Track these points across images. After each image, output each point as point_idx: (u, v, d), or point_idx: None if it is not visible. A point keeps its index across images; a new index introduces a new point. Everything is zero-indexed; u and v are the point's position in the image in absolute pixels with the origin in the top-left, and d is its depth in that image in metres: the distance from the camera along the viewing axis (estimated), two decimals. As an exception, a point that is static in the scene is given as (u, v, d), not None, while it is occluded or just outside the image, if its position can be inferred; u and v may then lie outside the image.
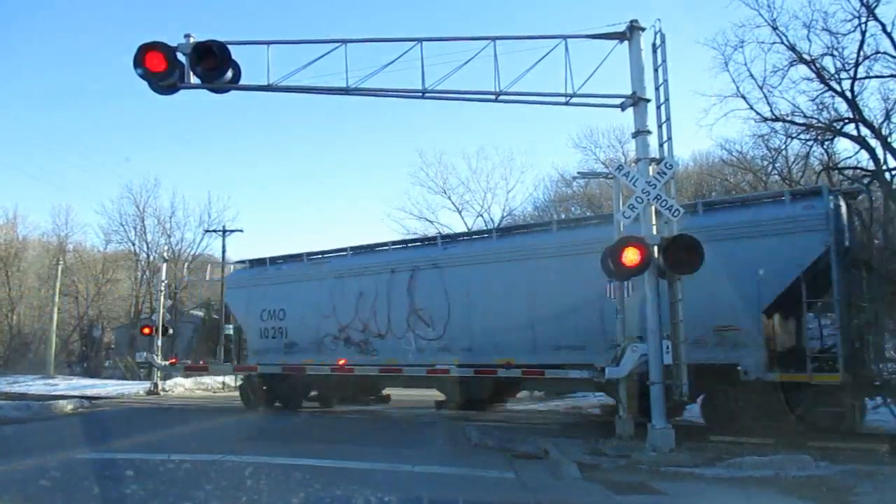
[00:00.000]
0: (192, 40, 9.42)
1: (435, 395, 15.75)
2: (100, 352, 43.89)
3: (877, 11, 18.35)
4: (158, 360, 23.47)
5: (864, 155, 20.97)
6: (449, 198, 71.04)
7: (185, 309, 46.37)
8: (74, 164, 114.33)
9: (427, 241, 18.50)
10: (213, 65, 9.45)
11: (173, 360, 26.86)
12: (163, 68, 9.29)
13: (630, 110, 9.53)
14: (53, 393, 22.52)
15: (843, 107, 20.40)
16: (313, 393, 17.34)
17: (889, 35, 18.38)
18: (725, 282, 10.49)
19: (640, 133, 9.41)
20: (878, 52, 19.04)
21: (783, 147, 23.30)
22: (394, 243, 16.96)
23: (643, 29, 9.49)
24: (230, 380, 31.33)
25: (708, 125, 49.20)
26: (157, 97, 10.29)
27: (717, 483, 7.28)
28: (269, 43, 9.76)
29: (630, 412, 9.97)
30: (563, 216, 52.23)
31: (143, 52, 9.19)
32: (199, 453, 8.67)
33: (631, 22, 9.51)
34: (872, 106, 31.61)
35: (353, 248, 16.54)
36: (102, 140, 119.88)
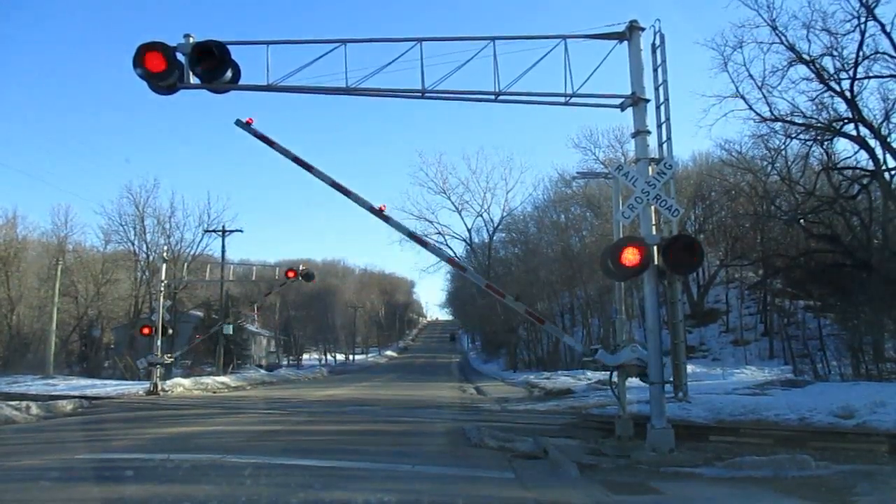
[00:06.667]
0: (191, 40, 9.44)
1: (434, 394, 15.72)
2: (99, 352, 43.90)
3: (876, 11, 18.43)
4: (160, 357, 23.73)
5: (863, 155, 21.01)
6: (448, 198, 71.10)
7: (184, 309, 46.37)
8: (74, 164, 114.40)
9: None
10: (212, 65, 9.47)
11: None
12: (162, 68, 9.31)
13: (629, 110, 9.54)
14: (53, 393, 22.49)
15: (842, 107, 20.45)
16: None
17: (888, 35, 18.44)
18: None
19: (640, 133, 9.41)
20: (877, 53, 19.11)
21: (783, 147, 23.36)
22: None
23: (643, 29, 9.50)
24: (231, 380, 31.40)
25: (707, 125, 49.32)
26: (156, 97, 10.30)
27: (716, 483, 7.28)
28: (268, 43, 9.78)
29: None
30: (562, 216, 52.44)
31: (143, 52, 9.21)
32: (199, 453, 8.66)
33: (630, 22, 9.51)
34: (872, 106, 31.72)
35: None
36: (102, 140, 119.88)
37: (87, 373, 37.48)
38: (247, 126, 10.12)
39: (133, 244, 44.48)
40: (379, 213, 10.70)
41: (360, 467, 7.89)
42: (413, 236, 12.38)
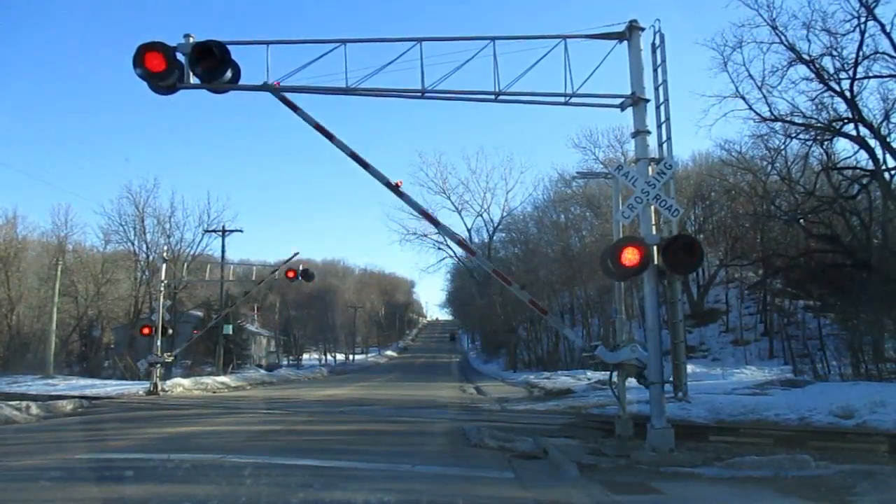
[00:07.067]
0: (191, 40, 9.45)
1: (434, 394, 15.72)
2: (99, 352, 43.91)
3: (876, 11, 18.44)
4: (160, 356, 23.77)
5: (863, 155, 21.01)
6: (448, 198, 71.17)
7: (184, 309, 46.38)
8: (74, 164, 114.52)
9: None
10: (212, 65, 9.49)
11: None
12: (162, 68, 9.32)
13: (629, 110, 9.54)
14: (53, 393, 22.49)
15: (842, 107, 20.46)
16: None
17: (888, 35, 18.44)
18: None
19: (640, 133, 9.41)
20: (877, 52, 19.12)
21: (782, 147, 23.36)
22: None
23: (642, 29, 9.50)
24: (231, 380, 31.40)
25: (707, 126, 49.19)
26: (156, 97, 10.31)
27: (716, 483, 7.28)
28: (268, 43, 9.79)
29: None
30: (562, 216, 52.45)
31: (143, 52, 9.22)
32: (199, 453, 8.66)
33: (630, 22, 9.52)
34: (871, 106, 31.65)
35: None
36: (102, 140, 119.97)
37: (87, 373, 37.49)
38: (274, 90, 10.11)
39: (133, 244, 44.55)
40: (395, 188, 10.69)
41: (359, 467, 7.89)
42: (425, 214, 12.61)
